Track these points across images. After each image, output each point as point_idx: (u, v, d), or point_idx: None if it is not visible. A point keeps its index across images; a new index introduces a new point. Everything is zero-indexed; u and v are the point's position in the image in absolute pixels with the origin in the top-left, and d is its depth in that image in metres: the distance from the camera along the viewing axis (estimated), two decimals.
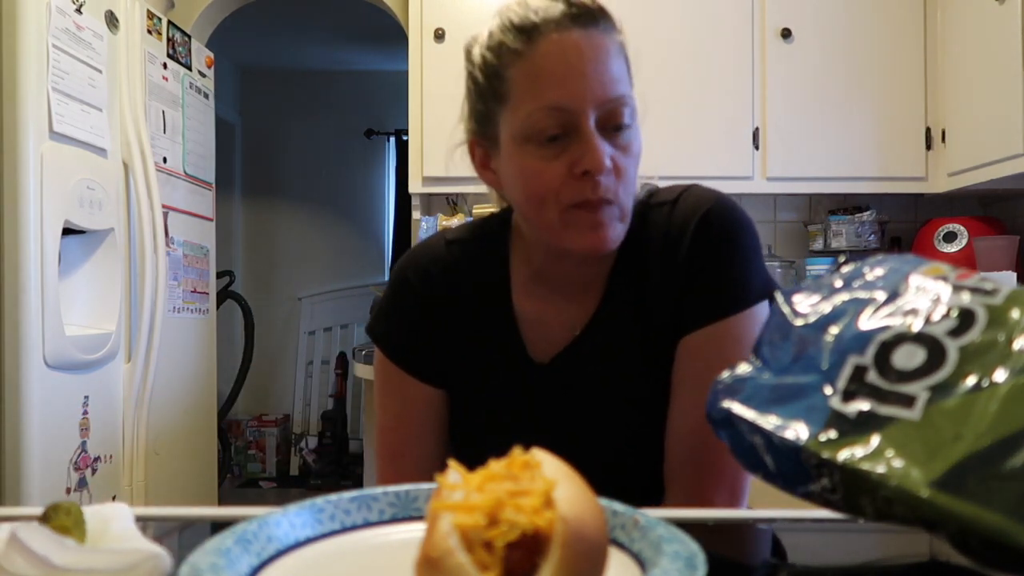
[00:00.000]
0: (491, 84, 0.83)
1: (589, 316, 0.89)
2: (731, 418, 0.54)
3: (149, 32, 2.36)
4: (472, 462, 0.93)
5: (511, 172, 0.83)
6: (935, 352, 0.48)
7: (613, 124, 0.79)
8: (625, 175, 0.80)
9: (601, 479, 0.90)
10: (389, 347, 0.94)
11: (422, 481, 0.97)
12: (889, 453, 0.45)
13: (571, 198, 0.79)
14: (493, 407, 0.92)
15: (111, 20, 2.17)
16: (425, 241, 0.98)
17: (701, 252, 0.84)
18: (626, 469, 0.89)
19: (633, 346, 0.88)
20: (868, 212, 2.77)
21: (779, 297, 0.59)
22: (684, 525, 0.46)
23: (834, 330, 0.53)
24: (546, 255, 0.89)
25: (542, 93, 0.78)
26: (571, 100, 0.77)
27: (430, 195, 2.87)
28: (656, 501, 0.87)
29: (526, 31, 0.79)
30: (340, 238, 4.96)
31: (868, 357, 0.50)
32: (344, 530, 0.51)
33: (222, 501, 3.41)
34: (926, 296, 0.51)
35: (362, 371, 2.07)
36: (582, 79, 0.77)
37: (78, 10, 2.00)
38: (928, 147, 2.60)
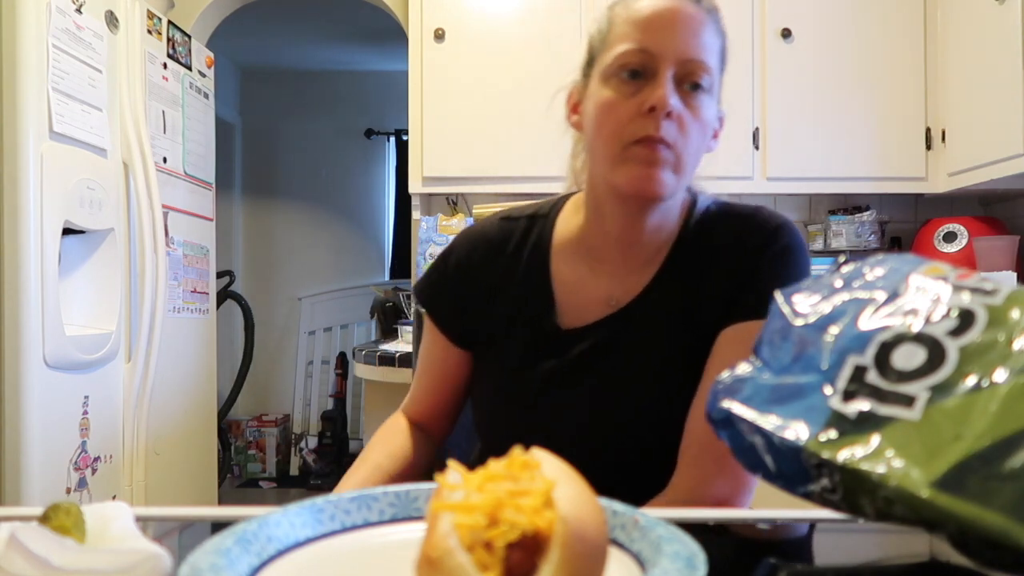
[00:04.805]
0: (602, 28, 0.93)
1: (635, 292, 0.93)
2: (731, 418, 0.54)
3: (149, 32, 2.36)
4: (492, 428, 0.94)
5: (591, 108, 0.91)
6: (935, 352, 0.48)
7: (690, 81, 0.86)
8: (687, 132, 0.86)
9: (613, 453, 0.92)
10: (423, 299, 1.04)
11: (412, 400, 1.06)
12: (889, 453, 0.45)
13: (633, 134, 0.85)
14: (516, 367, 0.96)
15: (111, 20, 2.17)
16: (484, 218, 1.07)
17: (764, 258, 0.90)
18: (639, 445, 0.92)
19: (675, 329, 0.92)
20: (868, 212, 2.77)
21: (779, 297, 0.59)
22: (684, 525, 0.46)
23: (834, 330, 0.53)
24: (599, 211, 0.94)
25: (634, 36, 0.87)
26: (656, 46, 0.86)
27: (430, 195, 2.87)
28: (663, 483, 0.88)
29: None
30: (340, 238, 4.96)
31: (868, 357, 0.50)
32: (344, 530, 0.51)
33: (222, 501, 3.41)
34: (926, 296, 0.51)
35: (362, 371, 2.07)
36: (671, 32, 0.86)
37: (78, 10, 2.00)
38: (928, 147, 2.60)
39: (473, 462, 1.06)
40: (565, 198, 1.03)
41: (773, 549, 0.59)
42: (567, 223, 0.99)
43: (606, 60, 0.89)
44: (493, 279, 0.98)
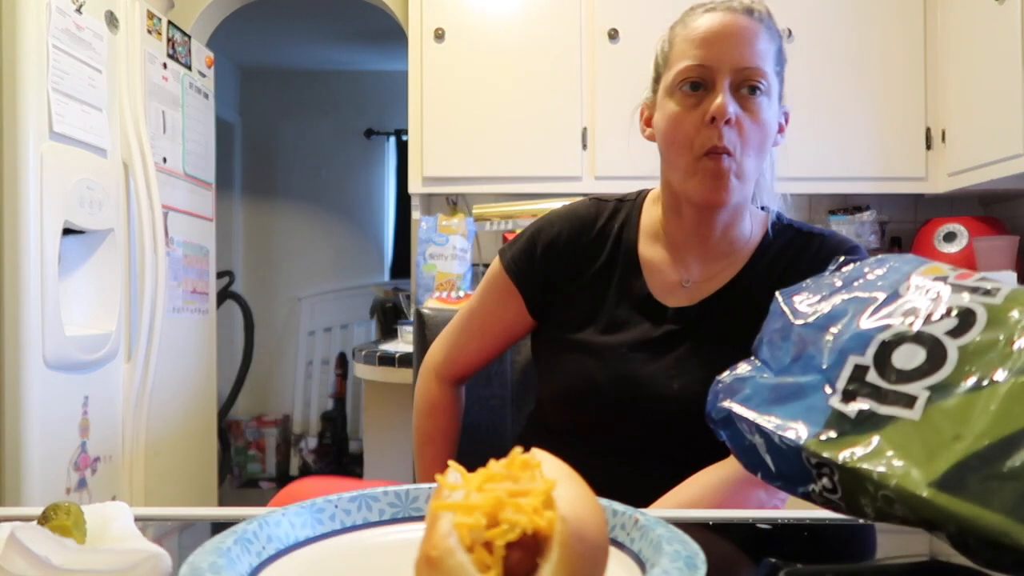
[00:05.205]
0: (664, 49, 1.03)
1: (711, 282, 1.03)
2: (731, 418, 0.54)
3: (149, 32, 2.36)
4: (563, 384, 1.03)
5: (660, 121, 1.01)
6: (935, 352, 0.48)
7: (748, 86, 0.96)
8: (747, 136, 0.95)
9: (673, 430, 0.98)
10: (513, 272, 1.10)
11: (450, 361, 1.15)
12: (889, 453, 0.45)
13: (702, 146, 0.95)
14: (606, 328, 1.03)
15: (111, 20, 2.17)
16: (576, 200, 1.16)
17: None
18: (700, 426, 0.95)
19: (751, 327, 0.95)
20: (868, 212, 2.77)
21: (779, 297, 0.59)
22: (684, 525, 0.46)
23: (834, 330, 0.53)
24: (675, 210, 1.04)
25: (692, 52, 0.96)
26: (712, 60, 0.95)
27: (430, 195, 2.87)
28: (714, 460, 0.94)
29: (700, 7, 1.00)
30: (340, 238, 4.96)
31: (868, 357, 0.50)
32: (344, 530, 0.51)
33: (222, 501, 3.41)
34: (926, 296, 0.51)
35: (362, 371, 2.07)
36: (725, 46, 0.95)
37: (78, 10, 2.00)
38: (928, 147, 2.60)
39: (525, 429, 1.14)
40: (646, 190, 1.13)
41: (773, 549, 0.59)
42: (648, 212, 1.09)
43: (669, 77, 0.99)
44: (581, 250, 1.08)
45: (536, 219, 1.14)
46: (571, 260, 1.08)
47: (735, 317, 1.00)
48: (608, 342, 1.02)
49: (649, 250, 1.07)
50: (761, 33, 0.98)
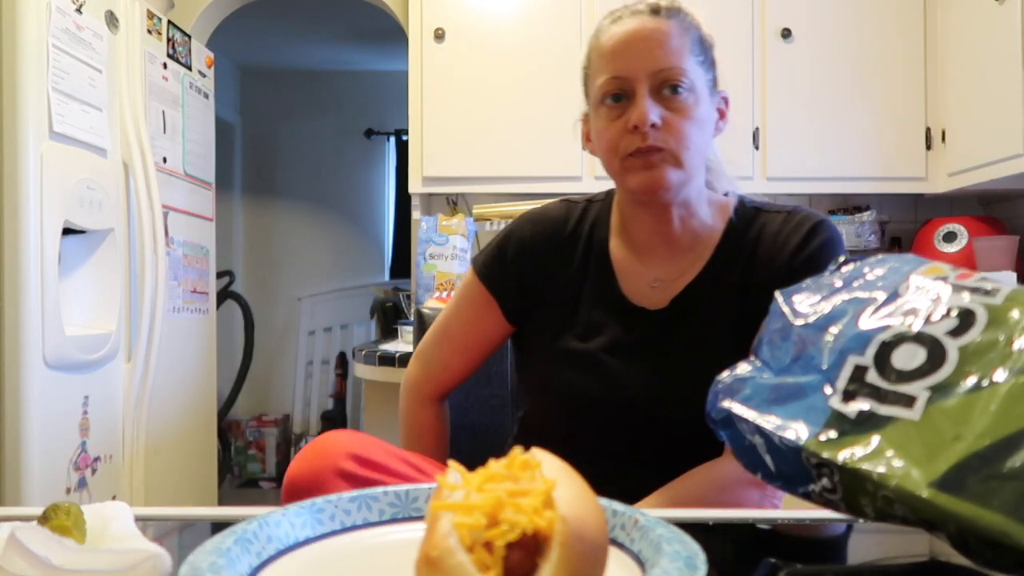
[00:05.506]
0: (585, 65, 1.04)
1: (680, 279, 1.02)
2: (731, 418, 0.54)
3: (149, 32, 2.36)
4: (551, 390, 1.02)
5: (594, 134, 1.03)
6: (935, 352, 0.48)
7: (668, 86, 0.95)
8: (678, 131, 0.95)
9: (660, 427, 0.98)
10: (486, 279, 1.09)
11: (430, 378, 1.12)
12: (889, 453, 0.45)
13: (626, 148, 0.96)
14: (583, 333, 1.02)
15: (111, 20, 2.17)
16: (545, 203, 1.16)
17: (807, 248, 0.99)
18: (686, 422, 0.93)
19: (724, 317, 0.99)
20: (868, 212, 2.77)
21: (779, 297, 0.59)
22: (684, 525, 0.46)
23: (834, 330, 0.53)
24: (632, 212, 1.05)
25: (607, 67, 0.97)
26: (626, 71, 0.96)
27: (430, 195, 2.87)
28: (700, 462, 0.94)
29: (607, 18, 1.01)
30: (340, 238, 4.96)
31: (868, 357, 0.50)
32: (344, 530, 0.51)
33: (222, 501, 3.41)
34: (926, 296, 0.51)
35: (362, 371, 2.07)
36: (636, 53, 0.95)
37: (78, 10, 2.00)
38: (928, 147, 2.60)
39: (518, 433, 1.12)
40: (614, 190, 1.11)
41: (773, 549, 0.59)
42: (615, 214, 1.08)
43: (593, 93, 1.01)
44: (554, 253, 1.07)
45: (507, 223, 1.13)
46: (544, 262, 1.07)
47: (708, 309, 1.00)
48: (585, 348, 1.01)
49: (620, 251, 1.06)
50: (671, 30, 0.96)
